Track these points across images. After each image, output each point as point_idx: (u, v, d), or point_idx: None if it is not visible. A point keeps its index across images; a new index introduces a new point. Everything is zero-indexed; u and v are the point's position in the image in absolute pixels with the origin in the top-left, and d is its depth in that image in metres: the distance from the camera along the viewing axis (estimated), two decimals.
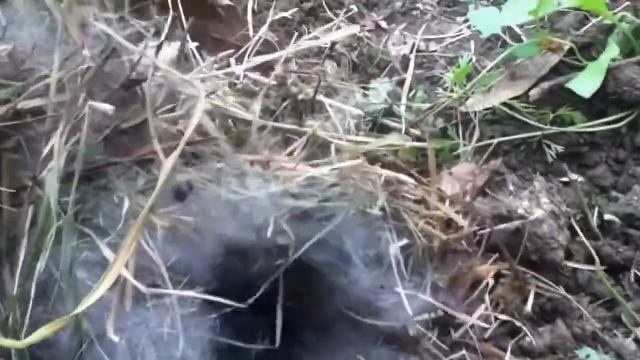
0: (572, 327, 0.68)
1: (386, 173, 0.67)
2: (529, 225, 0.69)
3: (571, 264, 0.73)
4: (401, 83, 0.93)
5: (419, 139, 0.84)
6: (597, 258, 0.70)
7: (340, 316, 0.63)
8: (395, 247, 0.63)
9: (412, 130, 0.85)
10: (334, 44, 0.98)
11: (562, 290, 0.70)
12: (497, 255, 0.71)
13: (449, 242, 0.67)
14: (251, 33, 0.94)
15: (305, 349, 0.67)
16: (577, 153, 0.84)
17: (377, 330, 0.62)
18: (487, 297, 0.68)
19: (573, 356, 0.65)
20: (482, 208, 0.72)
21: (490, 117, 0.87)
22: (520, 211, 0.70)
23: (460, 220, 0.67)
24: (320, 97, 0.78)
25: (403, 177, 0.69)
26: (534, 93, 0.85)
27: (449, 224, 0.74)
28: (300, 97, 0.75)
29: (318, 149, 0.73)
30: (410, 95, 0.91)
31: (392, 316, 0.63)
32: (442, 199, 0.73)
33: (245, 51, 0.86)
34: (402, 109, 0.88)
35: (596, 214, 0.78)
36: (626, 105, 0.84)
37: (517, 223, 0.68)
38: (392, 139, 0.76)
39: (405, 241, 0.64)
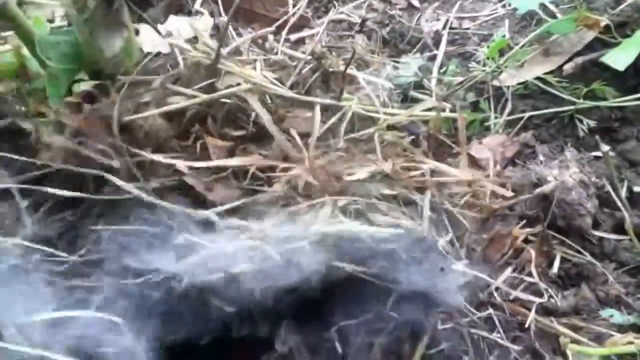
0: (596, 290, 0.70)
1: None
2: (557, 191, 0.71)
3: (598, 233, 0.75)
4: (432, 58, 0.96)
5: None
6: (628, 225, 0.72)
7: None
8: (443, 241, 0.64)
9: (443, 103, 0.87)
10: (364, 19, 1.01)
11: (588, 256, 0.72)
12: (525, 221, 0.73)
13: (495, 211, 0.70)
14: (290, 8, 0.97)
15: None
16: (608, 128, 0.86)
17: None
18: (514, 261, 0.69)
19: (596, 316, 0.67)
20: (512, 175, 0.75)
21: (522, 91, 0.89)
22: (550, 178, 0.73)
23: (502, 190, 0.69)
24: (352, 70, 0.81)
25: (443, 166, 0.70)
26: (567, 67, 0.87)
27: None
28: (331, 69, 0.78)
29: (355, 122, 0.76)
30: (442, 70, 0.93)
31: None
32: (475, 165, 0.76)
33: (280, 26, 0.90)
34: (433, 82, 0.90)
35: (625, 186, 0.80)
36: None
37: (546, 189, 0.70)
38: (426, 105, 0.78)
39: (450, 235, 0.66)
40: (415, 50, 0.99)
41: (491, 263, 0.70)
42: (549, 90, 0.88)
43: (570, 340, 0.62)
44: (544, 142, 0.84)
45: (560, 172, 0.74)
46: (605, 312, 0.67)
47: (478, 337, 0.66)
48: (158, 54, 0.75)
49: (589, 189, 0.74)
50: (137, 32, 0.74)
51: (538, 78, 0.89)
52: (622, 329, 0.67)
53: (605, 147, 0.77)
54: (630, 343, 0.62)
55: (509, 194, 0.70)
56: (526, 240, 0.73)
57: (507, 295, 0.69)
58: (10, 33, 0.68)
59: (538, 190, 0.72)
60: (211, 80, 0.68)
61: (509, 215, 0.74)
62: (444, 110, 0.82)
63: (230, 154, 0.66)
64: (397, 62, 0.93)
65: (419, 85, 0.91)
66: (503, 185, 0.76)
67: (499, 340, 0.66)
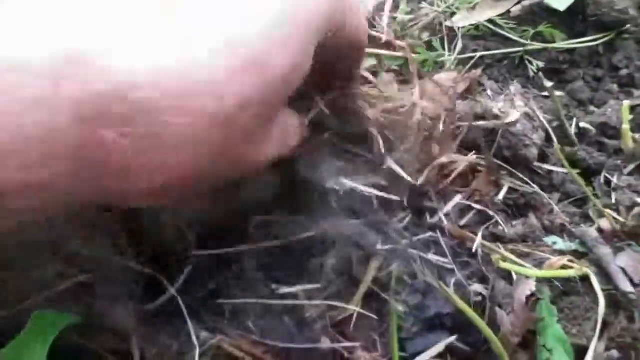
0: (542, 219, 0.72)
1: None
2: (503, 124, 0.73)
3: (546, 166, 0.77)
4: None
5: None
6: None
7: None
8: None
9: (398, 42, 0.88)
10: None
11: (535, 188, 0.74)
12: (473, 152, 0.74)
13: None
14: None
15: None
16: (557, 69, 0.89)
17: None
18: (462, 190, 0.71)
19: (541, 244, 0.69)
20: (461, 108, 0.76)
21: (474, 33, 0.91)
22: (495, 111, 0.74)
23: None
24: None
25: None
26: (515, 10, 0.89)
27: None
28: None
29: None
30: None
31: None
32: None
33: None
34: (385, 20, 0.91)
35: (574, 123, 0.82)
36: (604, 27, 0.88)
37: (492, 121, 0.72)
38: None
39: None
40: None
41: (436, 188, 0.71)
42: (499, 32, 0.90)
43: (503, 259, 0.64)
44: (495, 80, 0.86)
45: (504, 106, 0.75)
46: (549, 239, 0.69)
47: (427, 261, 0.67)
48: None
49: (535, 121, 0.76)
50: None
51: (489, 20, 0.90)
52: (564, 255, 0.69)
53: (549, 83, 0.80)
54: (566, 267, 0.64)
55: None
56: (475, 170, 0.74)
57: (455, 221, 0.70)
58: None
59: (484, 122, 0.73)
60: None
61: (453, 143, 0.75)
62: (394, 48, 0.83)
63: None
64: None
65: (371, 25, 0.91)
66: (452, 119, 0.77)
67: (447, 265, 0.67)
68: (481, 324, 0.60)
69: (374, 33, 0.88)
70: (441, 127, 0.77)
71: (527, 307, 0.61)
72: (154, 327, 0.58)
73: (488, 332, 0.60)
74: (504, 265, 0.64)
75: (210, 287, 0.62)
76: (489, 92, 0.80)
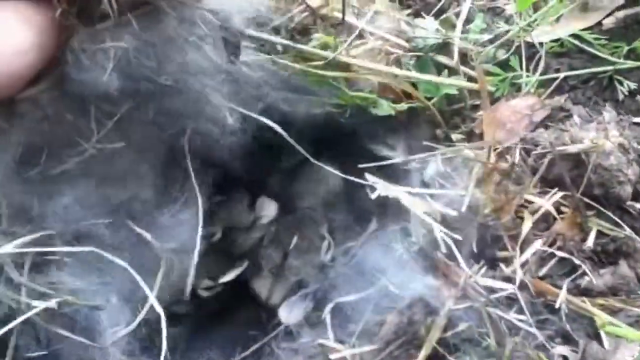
0: (636, 268, 0.63)
1: None
2: (594, 155, 0.64)
3: (639, 205, 0.68)
4: (456, 14, 0.88)
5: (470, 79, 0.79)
6: None
7: None
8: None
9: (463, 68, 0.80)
10: None
11: (627, 230, 0.64)
12: (556, 189, 0.66)
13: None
14: None
15: None
16: None
17: None
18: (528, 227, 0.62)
19: (636, 297, 0.60)
20: (542, 137, 0.67)
21: (557, 49, 0.82)
22: (586, 141, 0.65)
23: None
24: (351, 18, 0.74)
25: None
26: (607, 22, 0.79)
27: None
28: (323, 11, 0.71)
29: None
30: (466, 26, 0.85)
31: None
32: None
33: None
34: (456, 40, 0.83)
35: None
36: None
37: (580, 147, 0.63)
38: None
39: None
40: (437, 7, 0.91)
41: (509, 231, 0.63)
42: (586, 49, 0.80)
43: (607, 323, 0.55)
44: (580, 104, 0.76)
45: (597, 135, 0.66)
46: None
47: (500, 319, 0.59)
48: None
49: (630, 154, 0.67)
50: None
51: (574, 35, 0.81)
52: None
53: None
54: None
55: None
56: (558, 211, 0.65)
57: (535, 271, 0.62)
58: None
59: (569, 147, 0.64)
60: None
61: (525, 177, 0.66)
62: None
63: None
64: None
65: (439, 46, 0.83)
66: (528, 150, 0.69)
67: (524, 324, 0.59)
68: None
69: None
70: (517, 159, 0.69)
71: None
72: None
73: None
74: (610, 329, 0.55)
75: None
76: (575, 118, 0.71)
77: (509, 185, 0.63)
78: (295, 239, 0.67)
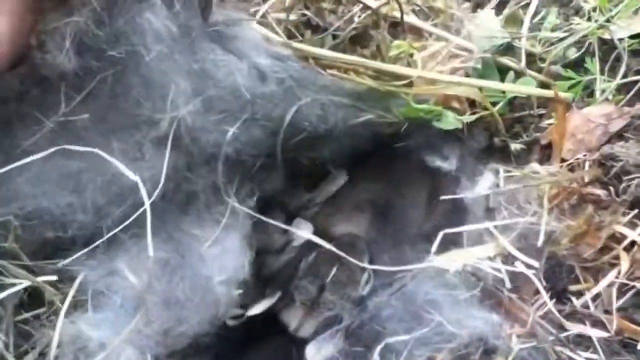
0: None
1: None
2: None
3: None
4: (525, 7, 0.80)
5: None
6: None
7: None
8: None
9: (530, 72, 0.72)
10: None
11: None
12: (636, 211, 0.58)
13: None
14: None
15: None
16: None
17: None
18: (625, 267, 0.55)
19: None
20: (623, 152, 0.60)
21: (637, 47, 0.72)
22: None
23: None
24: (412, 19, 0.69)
25: None
26: None
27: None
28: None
29: None
30: (536, 20, 0.78)
31: None
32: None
33: None
34: (523, 40, 0.75)
35: None
36: None
37: None
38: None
39: None
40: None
41: (585, 262, 0.56)
42: None
43: None
44: None
45: None
46: None
47: None
48: None
49: None
50: None
51: None
52: None
53: None
54: None
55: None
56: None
57: (609, 305, 0.55)
58: None
59: None
60: None
61: (611, 202, 0.59)
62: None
63: None
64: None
65: (506, 47, 0.76)
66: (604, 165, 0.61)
67: None
68: None
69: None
70: (587, 178, 0.61)
71: None
72: None
73: None
74: None
75: None
76: None
77: (594, 213, 0.56)
78: (334, 271, 0.62)
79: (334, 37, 0.74)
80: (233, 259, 0.56)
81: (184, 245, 0.55)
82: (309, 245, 0.63)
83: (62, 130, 0.52)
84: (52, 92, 0.52)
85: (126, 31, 0.51)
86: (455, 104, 0.68)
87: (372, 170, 0.72)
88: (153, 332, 0.50)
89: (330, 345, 0.58)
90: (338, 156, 0.67)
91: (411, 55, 0.72)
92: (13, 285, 0.51)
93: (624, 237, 0.57)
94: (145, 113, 0.54)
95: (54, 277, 0.52)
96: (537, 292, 0.56)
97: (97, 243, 0.52)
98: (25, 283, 0.51)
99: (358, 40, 0.77)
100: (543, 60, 0.74)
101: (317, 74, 0.61)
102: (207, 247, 0.55)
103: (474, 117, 0.69)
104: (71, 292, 0.51)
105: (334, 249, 0.57)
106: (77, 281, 0.52)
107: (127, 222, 0.51)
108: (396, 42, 0.70)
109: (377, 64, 0.65)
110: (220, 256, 0.56)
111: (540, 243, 0.56)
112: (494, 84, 0.69)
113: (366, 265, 0.60)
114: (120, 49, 0.51)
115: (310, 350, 0.58)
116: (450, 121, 0.68)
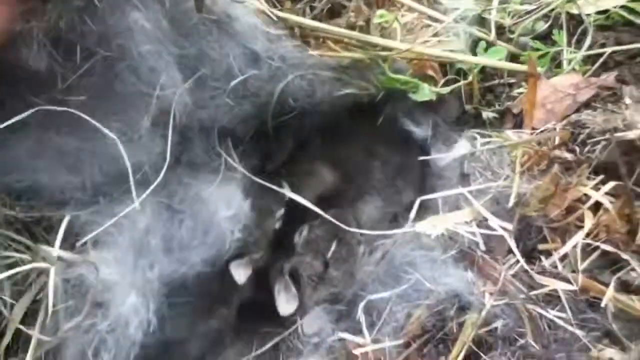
0: None
1: None
2: None
3: None
4: None
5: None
6: None
7: None
8: None
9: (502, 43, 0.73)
10: None
11: None
12: (601, 177, 0.60)
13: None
14: None
15: None
16: None
17: None
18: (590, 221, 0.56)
19: None
20: (590, 120, 0.61)
21: (603, 22, 0.75)
22: None
23: None
24: None
25: None
26: None
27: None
28: None
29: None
30: None
31: None
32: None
33: None
34: (493, 12, 0.76)
35: None
36: None
37: (634, 135, 0.57)
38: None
39: None
40: None
41: (552, 222, 0.58)
42: (635, 21, 0.73)
43: None
44: (626, 83, 0.70)
45: None
46: None
47: (538, 317, 0.54)
48: None
49: None
50: None
51: (623, 7, 0.74)
52: None
53: None
54: None
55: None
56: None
57: (576, 265, 0.57)
58: None
59: (626, 133, 0.58)
60: None
61: (577, 164, 0.60)
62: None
63: None
64: None
65: (476, 20, 0.76)
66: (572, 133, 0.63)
67: (566, 323, 0.54)
68: None
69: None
70: (556, 141, 0.63)
71: None
72: None
73: None
74: None
75: None
76: (627, 100, 0.64)
77: (561, 175, 0.57)
78: (334, 246, 0.62)
79: (312, 8, 0.73)
80: (235, 201, 0.58)
81: (186, 192, 0.56)
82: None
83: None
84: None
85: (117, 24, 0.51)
86: (431, 72, 0.68)
87: (347, 135, 0.72)
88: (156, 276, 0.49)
89: (325, 318, 0.58)
90: (319, 125, 0.67)
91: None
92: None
93: (588, 199, 0.58)
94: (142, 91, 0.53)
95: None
96: (509, 252, 0.57)
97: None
98: None
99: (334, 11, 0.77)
100: (512, 32, 0.75)
101: (305, 52, 0.62)
102: (209, 192, 0.56)
103: (448, 89, 0.69)
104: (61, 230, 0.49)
105: (332, 219, 0.57)
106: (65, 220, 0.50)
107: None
108: (380, 12, 0.70)
109: (365, 37, 0.66)
110: (223, 197, 0.58)
111: (510, 204, 0.57)
112: (477, 59, 0.70)
113: (355, 230, 0.60)
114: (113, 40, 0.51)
115: (306, 326, 0.58)
116: (426, 93, 0.69)
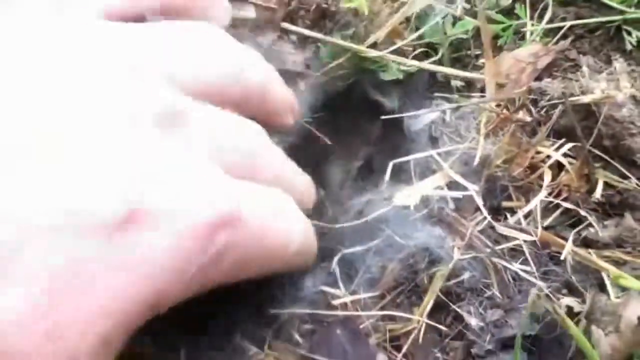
0: None
1: None
2: (605, 106, 0.61)
3: None
4: None
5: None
6: None
7: None
8: None
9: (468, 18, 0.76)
10: None
11: (634, 183, 0.62)
12: (563, 139, 0.63)
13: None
14: None
15: None
16: None
17: None
18: (547, 182, 0.60)
19: None
20: (550, 87, 0.64)
21: None
22: (597, 92, 0.62)
23: None
24: None
25: None
26: None
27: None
28: None
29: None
30: None
31: None
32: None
33: None
34: None
35: None
36: None
37: (592, 98, 0.60)
38: None
39: None
40: None
41: (516, 181, 0.61)
42: None
43: (620, 277, 0.53)
44: (585, 54, 0.73)
45: (608, 86, 0.63)
46: None
47: (503, 269, 0.57)
48: None
49: None
50: None
51: None
52: None
53: None
54: None
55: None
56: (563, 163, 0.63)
57: (540, 222, 0.60)
58: None
59: (582, 102, 0.61)
60: None
61: (537, 125, 0.64)
62: None
63: None
64: None
65: None
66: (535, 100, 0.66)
67: (529, 275, 0.57)
68: (588, 348, 0.50)
69: None
70: (519, 109, 0.66)
71: (638, 329, 0.51)
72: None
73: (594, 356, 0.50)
74: (624, 282, 0.53)
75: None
76: (584, 69, 0.68)
77: (521, 136, 0.60)
78: None
79: None
80: None
81: None
82: None
83: None
84: None
85: None
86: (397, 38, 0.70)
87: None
88: None
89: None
90: None
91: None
92: None
93: (549, 159, 0.62)
94: None
95: None
96: (476, 210, 0.60)
97: None
98: None
99: None
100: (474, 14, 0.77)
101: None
102: None
103: (416, 67, 0.72)
104: None
105: None
106: None
107: None
108: None
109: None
110: None
111: (475, 163, 0.60)
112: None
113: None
114: None
115: None
116: (394, 72, 0.72)
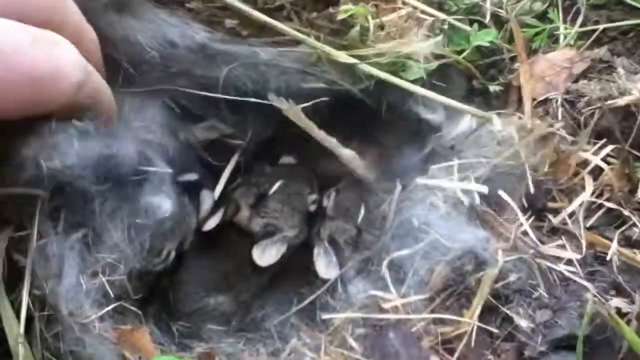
0: None
1: None
2: None
3: None
4: None
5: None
6: None
7: None
8: None
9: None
10: None
11: None
12: (603, 140, 0.64)
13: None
14: None
15: None
16: None
17: None
18: (590, 183, 0.60)
19: None
20: (587, 89, 0.65)
21: (596, 2, 0.78)
22: (634, 92, 0.63)
23: None
24: None
25: None
26: None
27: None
28: None
29: None
30: None
31: None
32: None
33: None
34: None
35: None
36: None
37: (630, 99, 0.61)
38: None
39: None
40: None
41: (560, 185, 0.62)
42: (626, 0, 0.77)
43: None
44: (619, 56, 0.74)
45: None
46: None
47: (549, 270, 0.58)
48: None
49: None
50: None
51: None
52: None
53: None
54: None
55: None
56: (605, 162, 0.63)
57: (584, 222, 0.60)
58: None
59: (618, 100, 0.62)
60: None
61: (577, 129, 0.64)
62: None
63: None
64: None
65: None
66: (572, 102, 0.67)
67: (575, 276, 0.57)
68: None
69: None
70: (559, 113, 0.67)
71: None
72: None
73: None
74: None
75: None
76: (619, 70, 0.68)
77: (561, 142, 0.61)
78: (362, 210, 0.66)
79: None
80: None
81: None
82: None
83: None
84: None
85: None
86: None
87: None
88: None
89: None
90: None
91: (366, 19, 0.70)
92: None
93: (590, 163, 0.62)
94: None
95: None
96: (519, 211, 0.60)
97: None
98: None
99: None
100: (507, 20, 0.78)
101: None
102: None
103: (436, 64, 0.71)
104: None
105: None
106: None
107: None
108: (344, 7, 0.68)
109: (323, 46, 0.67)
110: None
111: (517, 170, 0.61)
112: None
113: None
114: None
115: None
116: (415, 70, 0.70)
